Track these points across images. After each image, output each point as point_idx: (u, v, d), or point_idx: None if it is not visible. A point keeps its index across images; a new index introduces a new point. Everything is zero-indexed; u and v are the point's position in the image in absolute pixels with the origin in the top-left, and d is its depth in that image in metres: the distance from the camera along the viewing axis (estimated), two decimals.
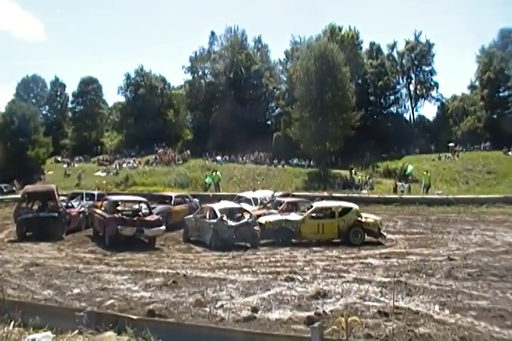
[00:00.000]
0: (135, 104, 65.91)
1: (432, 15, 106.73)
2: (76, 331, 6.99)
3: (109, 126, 75.28)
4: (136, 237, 18.03)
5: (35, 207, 21.62)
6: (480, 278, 12.55)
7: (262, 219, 19.26)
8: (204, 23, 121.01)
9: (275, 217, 19.83)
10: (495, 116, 60.25)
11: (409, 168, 42.22)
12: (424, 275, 12.90)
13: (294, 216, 19.61)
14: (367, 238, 19.13)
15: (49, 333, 6.97)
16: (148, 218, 18.56)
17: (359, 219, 19.24)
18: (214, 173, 39.84)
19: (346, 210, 19.55)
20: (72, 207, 22.88)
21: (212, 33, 69.57)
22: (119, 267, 14.04)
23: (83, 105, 71.63)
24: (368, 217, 19.80)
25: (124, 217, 18.49)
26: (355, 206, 20.17)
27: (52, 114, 75.37)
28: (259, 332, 7.25)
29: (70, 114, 74.41)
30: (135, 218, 18.47)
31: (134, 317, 7.35)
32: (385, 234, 19.66)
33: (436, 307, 9.86)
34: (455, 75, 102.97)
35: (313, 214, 19.46)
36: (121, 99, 71.75)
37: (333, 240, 18.99)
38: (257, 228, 18.26)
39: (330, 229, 19.00)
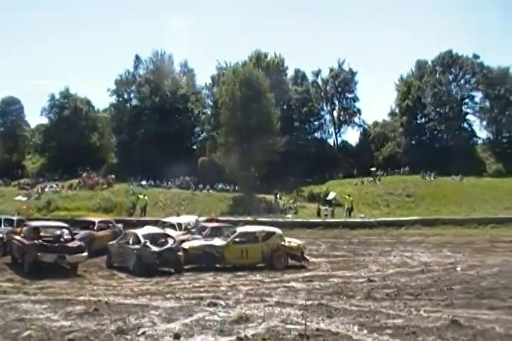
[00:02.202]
0: (59, 127, 64.23)
1: (355, 44, 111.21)
2: None
3: (31, 149, 73.02)
4: (58, 264, 17.52)
5: None
6: (397, 298, 13.10)
7: (186, 245, 19.18)
8: (131, 46, 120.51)
9: (199, 242, 19.80)
10: (413, 142, 63.07)
11: (331, 194, 43.31)
12: (344, 297, 13.26)
13: (217, 241, 19.61)
14: (290, 262, 19.43)
15: None
16: (70, 244, 18.04)
17: (282, 243, 19.52)
18: (142, 196, 39.48)
19: (269, 234, 19.79)
20: None
21: (137, 57, 69.32)
22: (38, 296, 13.53)
23: (4, 126, 69.22)
24: (291, 241, 20.12)
25: (45, 243, 17.91)
26: (278, 230, 20.44)
27: None
28: None
29: None
30: (56, 244, 17.93)
31: None
32: (307, 257, 20.03)
33: (356, 328, 10.14)
34: (377, 102, 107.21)
35: (237, 239, 19.55)
36: (45, 120, 70.03)
37: (257, 264, 19.14)
38: (180, 253, 18.18)
39: (254, 254, 19.14)
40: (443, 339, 9.34)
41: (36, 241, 17.80)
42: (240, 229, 20.60)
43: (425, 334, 9.64)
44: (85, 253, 18.03)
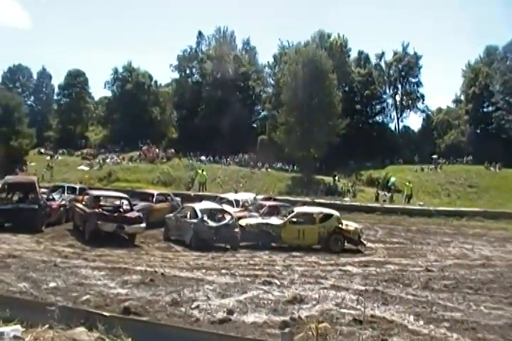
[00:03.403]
0: (121, 100, 65.54)
1: (421, 28, 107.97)
2: (46, 325, 6.85)
3: (95, 121, 74.74)
4: (116, 233, 17.88)
5: (15, 198, 21.30)
6: (455, 290, 12.66)
7: (243, 222, 19.16)
8: (195, 22, 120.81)
9: (256, 220, 19.75)
10: (478, 131, 60.91)
11: (392, 179, 42.48)
12: (401, 285, 12.96)
13: (274, 220, 19.51)
14: (347, 245, 19.12)
15: (18, 326, 6.82)
16: (129, 215, 18.41)
17: (340, 226, 19.21)
18: (201, 171, 39.73)
19: (327, 217, 19.53)
20: (53, 199, 22.54)
21: (200, 33, 69.72)
22: (97, 262, 13.92)
23: (69, 98, 70.80)
24: (349, 224, 19.79)
25: (105, 212, 18.30)
26: (336, 213, 20.13)
27: (37, 105, 74.62)
28: (232, 335, 7.18)
29: (55, 106, 73.73)
30: (116, 214, 18.32)
31: (106, 313, 7.24)
32: (365, 242, 19.69)
33: (411, 318, 9.90)
34: (441, 88, 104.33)
35: (294, 219, 19.38)
36: (108, 93, 71.55)
37: (313, 246, 18.94)
38: (237, 230, 18.18)
39: (310, 235, 18.93)
40: (506, 340, 8.91)
41: (97, 210, 18.25)
42: (297, 209, 20.45)
43: (486, 332, 9.23)
44: (143, 225, 18.34)
